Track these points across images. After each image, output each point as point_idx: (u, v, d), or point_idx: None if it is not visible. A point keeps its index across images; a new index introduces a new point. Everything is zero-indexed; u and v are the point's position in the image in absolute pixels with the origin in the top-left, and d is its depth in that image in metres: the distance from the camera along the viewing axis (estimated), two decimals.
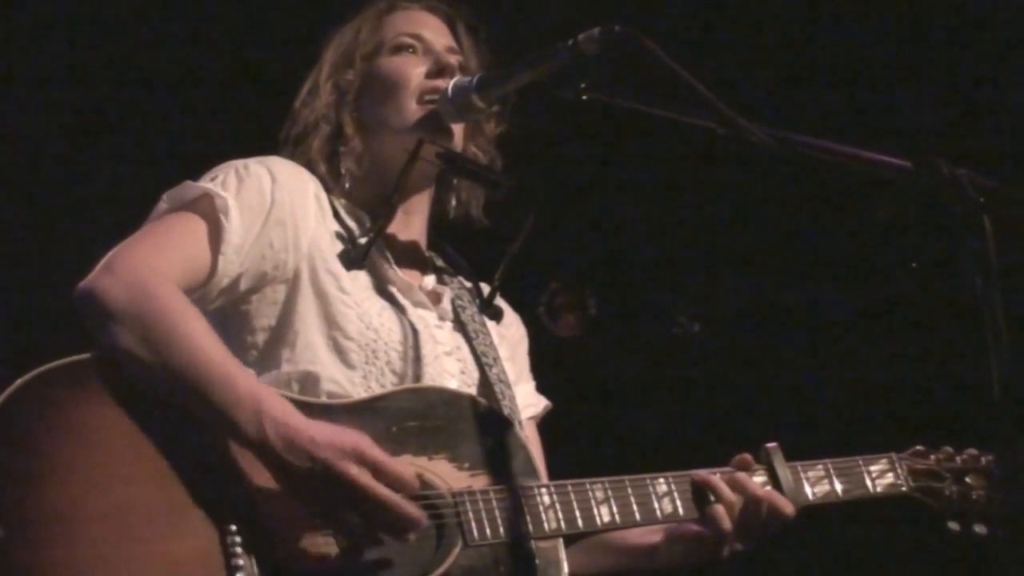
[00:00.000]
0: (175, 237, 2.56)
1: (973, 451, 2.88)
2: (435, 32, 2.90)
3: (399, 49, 2.86)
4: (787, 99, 4.25)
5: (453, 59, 2.84)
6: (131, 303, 2.38)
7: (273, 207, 2.64)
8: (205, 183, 2.62)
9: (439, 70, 2.80)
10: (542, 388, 3.10)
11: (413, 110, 2.79)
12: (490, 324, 2.93)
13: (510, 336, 3.03)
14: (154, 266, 2.46)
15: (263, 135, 3.02)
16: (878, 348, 4.88)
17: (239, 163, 2.69)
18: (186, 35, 4.69)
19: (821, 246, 4.81)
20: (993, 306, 2.13)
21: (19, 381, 2.33)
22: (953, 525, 2.83)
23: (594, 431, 4.70)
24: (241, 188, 2.63)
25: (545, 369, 3.15)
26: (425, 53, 2.86)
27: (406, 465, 2.42)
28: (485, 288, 2.99)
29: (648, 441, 4.71)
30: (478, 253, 3.03)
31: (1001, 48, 4.55)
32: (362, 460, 2.30)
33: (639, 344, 4.89)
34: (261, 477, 2.35)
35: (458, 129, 2.83)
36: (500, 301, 2.98)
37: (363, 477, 2.29)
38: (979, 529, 2.80)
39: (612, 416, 4.88)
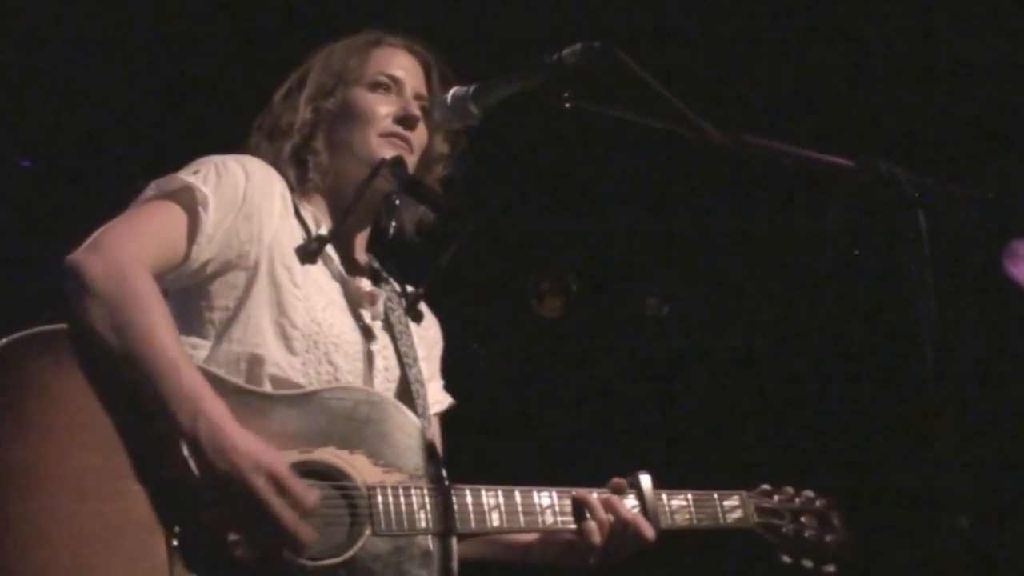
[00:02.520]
0: (156, 224, 2.57)
1: (810, 493, 2.98)
2: (410, 75, 2.92)
3: (375, 86, 2.88)
4: (747, 105, 4.26)
5: (416, 109, 2.87)
6: (106, 284, 2.38)
7: (244, 203, 2.66)
8: (187, 176, 2.63)
9: (403, 118, 2.84)
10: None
11: (375, 143, 2.82)
12: (412, 325, 2.93)
13: (428, 337, 3.04)
14: (135, 251, 2.46)
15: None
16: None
17: (219, 160, 2.70)
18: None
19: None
20: (926, 292, 2.16)
21: (10, 337, 2.34)
22: (786, 558, 2.91)
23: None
24: (219, 183, 2.63)
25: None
26: (397, 94, 2.88)
27: (325, 453, 2.47)
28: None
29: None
30: (410, 258, 3.06)
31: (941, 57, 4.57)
32: (271, 475, 2.31)
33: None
34: (187, 475, 2.34)
35: (412, 164, 2.86)
36: (421, 305, 2.97)
37: (267, 492, 2.29)
38: (806, 563, 2.90)
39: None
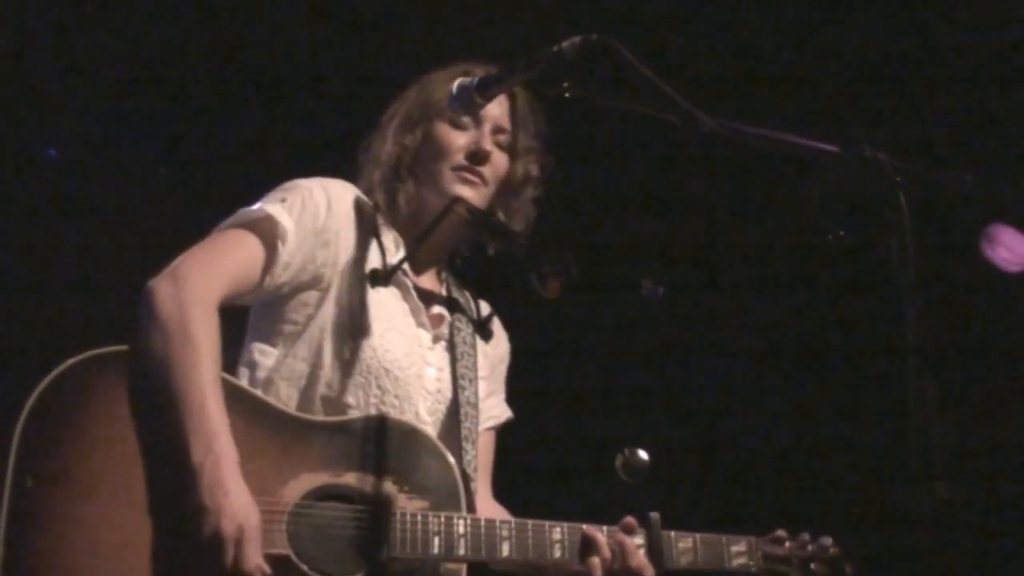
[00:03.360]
0: (233, 255, 2.65)
1: (826, 541, 2.93)
2: (495, 106, 2.85)
3: (454, 122, 2.90)
4: (737, 94, 4.25)
5: (489, 144, 2.88)
6: (169, 316, 2.48)
7: (323, 230, 2.73)
8: (275, 204, 2.71)
9: (473, 153, 2.86)
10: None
11: (448, 177, 2.86)
12: (480, 345, 2.99)
13: (493, 355, 3.08)
14: (207, 285, 2.55)
15: None
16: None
17: (306, 187, 2.77)
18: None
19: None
20: (908, 270, 2.17)
21: (69, 361, 2.45)
22: None
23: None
24: (303, 212, 2.70)
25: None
26: (475, 128, 2.90)
27: (350, 477, 2.54)
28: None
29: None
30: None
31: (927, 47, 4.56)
32: (240, 529, 2.34)
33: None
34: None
35: (486, 195, 2.90)
36: (495, 323, 3.05)
37: (228, 539, 2.33)
38: None
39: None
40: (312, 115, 4.85)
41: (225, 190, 5.00)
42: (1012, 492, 4.71)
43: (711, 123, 2.31)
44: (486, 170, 2.88)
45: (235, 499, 2.36)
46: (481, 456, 2.95)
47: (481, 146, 2.86)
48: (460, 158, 2.86)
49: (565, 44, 2.36)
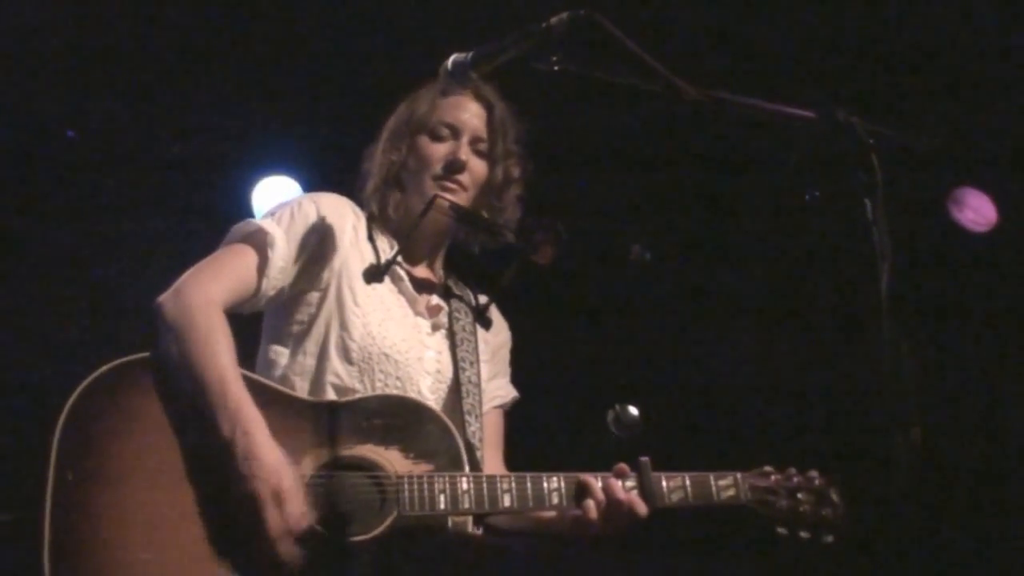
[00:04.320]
0: (230, 266, 2.79)
1: (812, 473, 2.93)
2: (471, 119, 3.01)
3: (435, 134, 3.00)
4: (715, 63, 4.24)
5: (465, 154, 2.97)
6: (178, 322, 2.61)
7: (315, 236, 2.87)
8: (266, 218, 2.87)
9: (450, 163, 2.96)
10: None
11: (429, 186, 2.96)
12: (480, 332, 3.09)
13: (494, 342, 3.18)
14: (208, 292, 2.68)
15: None
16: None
17: (295, 202, 2.93)
18: None
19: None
20: (881, 227, 2.18)
21: (102, 368, 2.58)
22: (781, 530, 2.87)
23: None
24: (292, 223, 2.86)
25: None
26: (453, 139, 3.00)
27: (363, 449, 2.63)
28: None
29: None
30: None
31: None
32: (277, 490, 2.44)
33: None
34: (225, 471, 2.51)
35: (466, 199, 2.99)
36: (494, 312, 3.13)
37: (267, 501, 2.44)
38: (803, 535, 2.86)
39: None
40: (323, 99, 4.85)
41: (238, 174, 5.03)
42: (978, 434, 4.75)
43: (693, 92, 2.32)
44: (464, 178, 2.97)
45: (268, 464, 2.46)
46: (491, 434, 3.07)
47: (457, 156, 2.96)
48: (439, 168, 2.97)
49: (554, 20, 2.35)
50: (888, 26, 4.41)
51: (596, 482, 2.76)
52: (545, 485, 2.74)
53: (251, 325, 2.94)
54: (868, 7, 4.40)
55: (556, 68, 2.40)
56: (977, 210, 4.94)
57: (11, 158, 4.68)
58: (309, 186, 4.84)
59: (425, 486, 2.62)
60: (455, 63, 2.64)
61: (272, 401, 2.62)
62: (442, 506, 2.63)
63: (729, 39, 4.41)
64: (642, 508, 2.76)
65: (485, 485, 2.68)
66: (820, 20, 4.40)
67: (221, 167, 5.00)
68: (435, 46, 2.67)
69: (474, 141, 3.00)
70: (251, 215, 4.86)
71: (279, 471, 2.46)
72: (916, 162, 4.00)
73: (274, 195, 4.98)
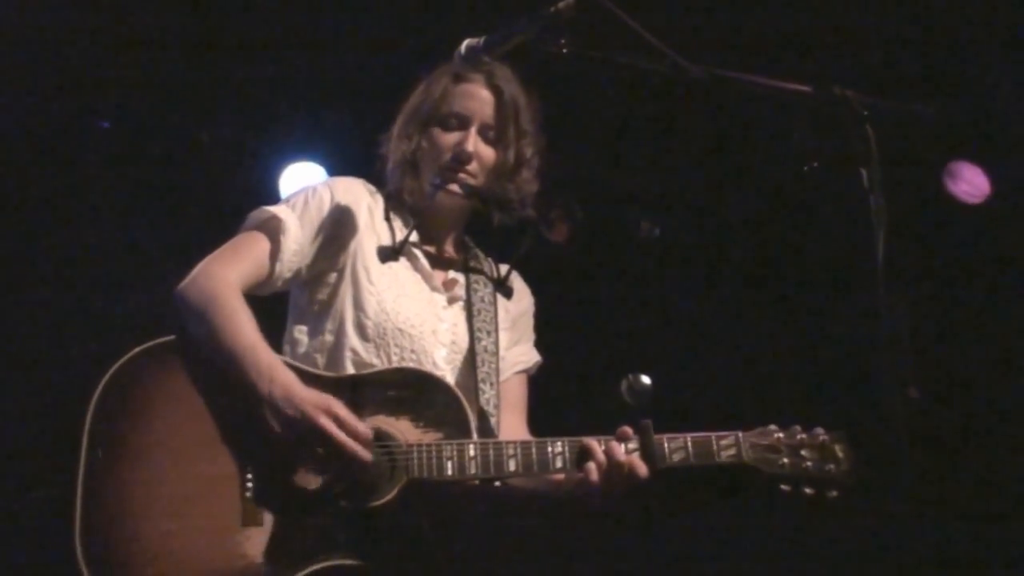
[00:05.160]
0: (245, 251, 2.82)
1: (818, 430, 2.81)
2: (481, 107, 2.98)
3: (444, 124, 2.99)
4: (718, 43, 4.20)
5: (471, 144, 2.95)
6: (198, 303, 2.66)
7: (330, 220, 2.88)
8: (280, 204, 2.90)
9: (458, 153, 2.94)
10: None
11: (438, 174, 2.94)
12: (501, 301, 3.08)
13: (515, 309, 3.15)
14: (224, 276, 2.71)
15: None
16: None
17: (310, 188, 2.95)
18: None
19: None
20: (877, 194, 2.19)
21: (135, 350, 2.63)
22: (784, 487, 2.77)
23: None
24: (306, 208, 2.88)
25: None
26: (462, 128, 2.98)
27: (376, 420, 2.65)
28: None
29: None
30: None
31: None
32: (331, 413, 2.52)
33: None
34: (267, 430, 2.56)
35: (477, 184, 2.97)
36: (516, 280, 3.13)
37: (330, 425, 2.52)
38: (807, 491, 2.76)
39: None
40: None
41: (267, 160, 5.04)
42: (972, 394, 4.76)
43: (696, 70, 2.32)
44: (472, 166, 2.96)
45: (312, 397, 2.54)
46: (513, 397, 3.06)
47: (464, 147, 2.94)
48: (447, 158, 2.96)
49: (561, 4, 2.35)
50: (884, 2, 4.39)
51: (598, 445, 2.74)
52: (549, 450, 2.73)
53: (273, 307, 2.95)
54: None
55: (564, 51, 2.41)
56: (971, 182, 4.92)
57: (50, 147, 4.70)
58: (335, 172, 4.82)
59: (434, 453, 2.64)
60: (468, 48, 2.65)
61: (296, 374, 2.64)
62: (450, 472, 2.63)
63: (730, 18, 4.39)
64: (642, 469, 2.72)
65: (491, 451, 2.68)
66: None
67: (250, 154, 5.01)
68: (458, 32, 2.67)
69: (483, 129, 2.98)
70: (279, 200, 4.89)
71: (325, 398, 2.54)
72: (911, 133, 4.00)
73: (301, 181, 4.98)
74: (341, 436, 2.51)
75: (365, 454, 2.53)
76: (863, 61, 4.25)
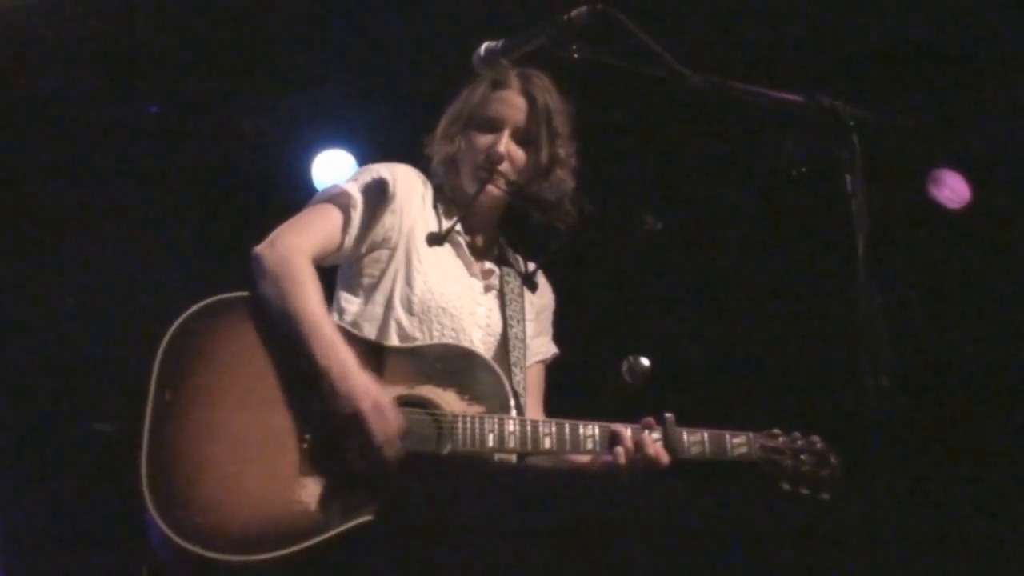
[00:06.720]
0: (318, 222, 2.86)
1: (815, 438, 2.95)
2: (514, 113, 3.01)
3: (481, 128, 3.03)
4: (718, 53, 4.20)
5: (503, 147, 2.97)
6: (275, 268, 2.68)
7: (389, 202, 2.92)
8: (349, 182, 2.93)
9: (490, 155, 2.98)
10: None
11: (475, 173, 3.00)
12: (527, 295, 3.14)
13: (539, 303, 3.21)
14: (298, 244, 2.75)
15: None
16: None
17: (375, 168, 2.98)
18: None
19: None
20: (860, 199, 2.20)
21: (208, 300, 2.65)
22: (785, 486, 2.90)
23: None
24: (371, 188, 2.92)
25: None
26: (496, 132, 3.02)
27: (424, 389, 2.70)
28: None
29: None
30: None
31: None
32: (376, 404, 2.54)
33: None
34: (322, 399, 2.57)
35: (513, 181, 3.00)
36: (540, 277, 3.19)
37: (370, 414, 2.53)
38: (804, 491, 2.89)
39: None
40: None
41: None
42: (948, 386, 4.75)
43: (697, 79, 2.34)
44: (505, 167, 2.99)
45: (364, 384, 2.57)
46: (533, 384, 3.12)
47: (496, 149, 2.98)
48: (481, 159, 3.00)
49: (574, 13, 2.38)
50: (870, 16, 4.36)
51: (628, 432, 2.81)
52: (581, 431, 2.78)
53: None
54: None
55: (576, 56, 2.42)
56: (953, 189, 4.91)
57: (104, 128, 4.72)
58: (365, 159, 4.85)
59: (477, 425, 2.68)
60: (487, 50, 2.66)
61: (352, 341, 2.68)
62: (490, 444, 2.67)
63: (730, 32, 4.38)
64: (665, 458, 2.79)
65: (529, 428, 2.73)
66: (810, 15, 4.36)
67: (283, 142, 5.03)
68: (484, 25, 2.69)
69: (516, 132, 3.01)
70: (311, 186, 4.92)
71: (376, 390, 2.56)
72: (895, 143, 3.98)
73: (332, 168, 5.00)
74: (375, 428, 2.53)
75: (391, 448, 2.54)
76: (851, 72, 4.23)
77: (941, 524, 4.31)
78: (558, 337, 3.28)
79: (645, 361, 2.87)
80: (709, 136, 4.67)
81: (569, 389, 3.20)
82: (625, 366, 2.89)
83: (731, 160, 4.77)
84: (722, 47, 4.23)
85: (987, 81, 4.44)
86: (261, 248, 2.73)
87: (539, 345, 3.18)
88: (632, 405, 2.88)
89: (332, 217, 2.87)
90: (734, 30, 4.36)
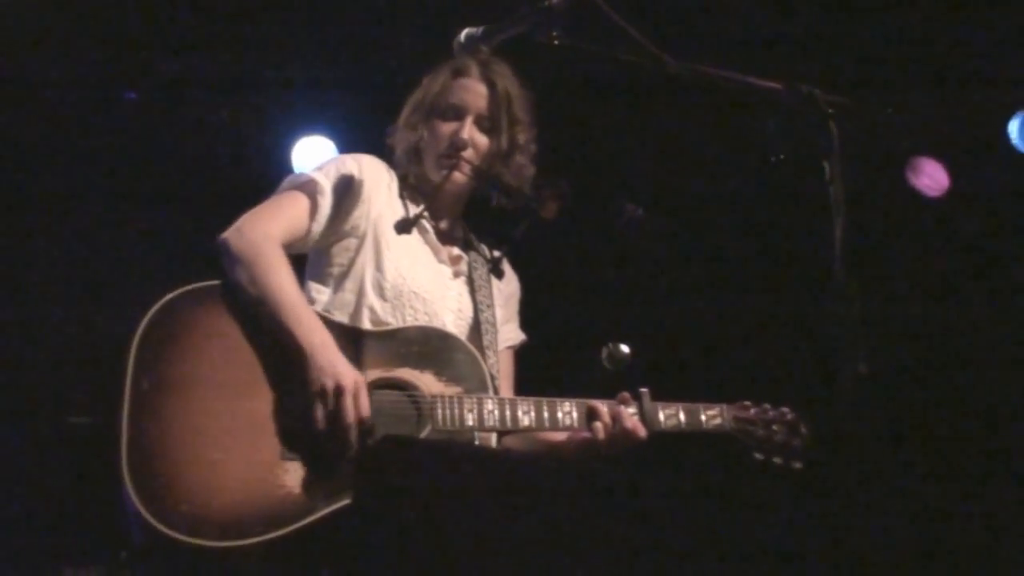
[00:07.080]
0: (285, 209, 2.85)
1: (785, 408, 3.00)
2: (476, 100, 3.02)
3: (444, 116, 3.03)
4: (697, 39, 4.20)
5: (466, 132, 2.98)
6: (244, 253, 2.66)
7: (355, 191, 2.92)
8: (316, 171, 2.93)
9: (453, 142, 2.98)
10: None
11: (437, 160, 3.00)
12: (494, 281, 3.14)
13: (506, 290, 3.22)
14: (266, 229, 2.74)
15: None
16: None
17: (340, 159, 3.00)
18: None
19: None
20: (837, 186, 2.21)
21: (180, 289, 2.63)
22: (758, 455, 2.94)
23: None
24: (338, 176, 2.92)
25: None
26: (459, 119, 3.01)
27: (402, 372, 2.70)
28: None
29: None
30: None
31: None
32: (355, 384, 2.54)
33: None
34: (302, 378, 2.57)
35: (475, 167, 3.00)
36: (505, 265, 3.17)
37: (345, 393, 2.52)
38: (776, 460, 2.94)
39: None
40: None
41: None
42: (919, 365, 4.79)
43: (675, 65, 2.33)
44: (467, 153, 2.99)
45: (343, 366, 2.56)
46: (505, 368, 3.12)
47: (460, 136, 2.98)
48: (444, 146, 3.00)
49: (554, 0, 2.37)
50: (853, 10, 4.38)
51: (604, 407, 2.82)
52: (559, 408, 2.80)
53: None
54: None
55: (556, 42, 2.42)
56: (932, 177, 4.94)
57: (80, 115, 4.69)
58: (345, 146, 4.84)
59: (456, 405, 2.69)
60: (467, 36, 2.65)
61: (328, 326, 2.68)
62: (470, 423, 2.68)
63: (711, 18, 4.39)
64: (642, 432, 2.81)
65: (507, 406, 2.75)
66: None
67: (263, 128, 5.01)
68: (463, 14, 2.68)
69: (478, 119, 3.02)
70: (291, 172, 4.89)
71: (353, 372, 2.56)
72: (873, 131, 4.00)
73: (312, 154, 4.98)
74: (346, 409, 2.52)
75: (353, 435, 2.53)
76: (831, 61, 4.24)
77: (921, 513, 4.36)
78: (536, 324, 3.29)
79: (625, 348, 2.89)
80: (689, 122, 4.68)
81: (547, 375, 3.20)
82: (605, 353, 2.91)
83: (711, 145, 4.78)
84: (703, 34, 4.23)
85: (966, 74, 4.47)
86: (228, 234, 2.71)
87: (508, 331, 3.19)
88: (610, 392, 2.90)
89: (299, 204, 2.86)
90: (715, 18, 4.36)
